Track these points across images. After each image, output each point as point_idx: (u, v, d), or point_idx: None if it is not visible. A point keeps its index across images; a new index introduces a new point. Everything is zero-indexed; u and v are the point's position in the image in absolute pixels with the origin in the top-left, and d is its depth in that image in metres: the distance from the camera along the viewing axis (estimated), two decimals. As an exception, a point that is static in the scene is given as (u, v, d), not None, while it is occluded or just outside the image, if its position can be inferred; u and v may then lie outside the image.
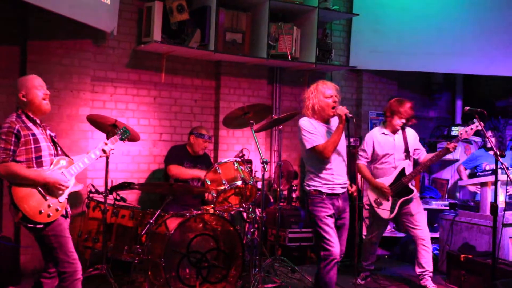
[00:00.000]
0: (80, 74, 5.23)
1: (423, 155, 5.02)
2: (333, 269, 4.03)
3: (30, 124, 3.42)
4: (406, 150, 4.96)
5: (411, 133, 5.08)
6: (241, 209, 4.70)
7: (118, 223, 4.58)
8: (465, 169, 6.57)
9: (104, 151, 3.73)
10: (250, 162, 5.58)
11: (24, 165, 3.33)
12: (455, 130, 7.01)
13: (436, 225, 6.04)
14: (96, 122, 4.65)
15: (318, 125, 4.15)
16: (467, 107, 4.37)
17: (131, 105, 5.67)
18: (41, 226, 3.34)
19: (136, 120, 5.68)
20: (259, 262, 4.64)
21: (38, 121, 3.49)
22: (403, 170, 4.90)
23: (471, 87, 7.84)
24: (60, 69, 5.12)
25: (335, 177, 4.10)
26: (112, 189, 4.78)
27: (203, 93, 6.05)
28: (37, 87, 3.45)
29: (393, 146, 4.98)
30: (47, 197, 3.36)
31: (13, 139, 3.30)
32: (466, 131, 4.61)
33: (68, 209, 3.55)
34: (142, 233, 4.32)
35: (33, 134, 3.39)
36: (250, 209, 4.68)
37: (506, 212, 5.04)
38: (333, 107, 4.09)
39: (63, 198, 3.46)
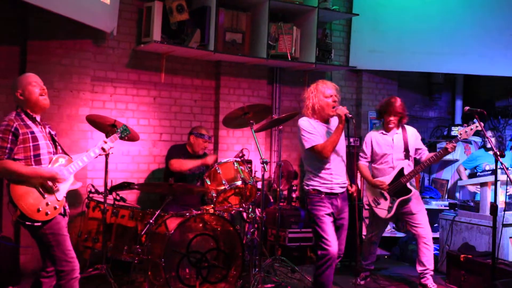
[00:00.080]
0: (80, 74, 5.23)
1: (425, 155, 5.00)
2: (330, 268, 4.03)
3: (29, 122, 3.42)
4: (406, 150, 4.95)
5: (412, 132, 5.06)
6: (241, 209, 4.71)
7: (118, 223, 4.58)
8: (465, 169, 6.58)
9: (103, 149, 3.73)
10: (250, 162, 5.58)
11: (22, 163, 3.33)
12: (455, 130, 7.01)
13: (436, 225, 6.04)
14: (96, 122, 4.65)
15: (318, 125, 4.15)
16: (467, 107, 4.36)
17: (131, 105, 5.67)
18: (39, 224, 3.34)
19: (136, 120, 5.68)
20: (259, 262, 4.65)
21: (37, 119, 3.50)
22: (402, 170, 4.90)
23: (471, 87, 7.84)
24: (60, 69, 5.12)
25: (334, 176, 4.12)
26: (112, 189, 4.78)
27: (203, 93, 6.05)
28: (32, 84, 3.45)
29: (391, 146, 4.98)
30: (46, 195, 3.36)
31: (10, 137, 3.30)
32: (465, 131, 4.60)
33: (67, 207, 3.55)
34: (142, 233, 4.32)
35: (32, 132, 3.39)
36: (250, 209, 4.68)
37: (506, 212, 5.04)
38: (333, 107, 4.10)
39: (61, 196, 3.45)
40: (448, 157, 6.10)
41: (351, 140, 4.23)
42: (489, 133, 6.34)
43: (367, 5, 6.81)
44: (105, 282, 4.44)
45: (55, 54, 5.10)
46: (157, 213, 4.37)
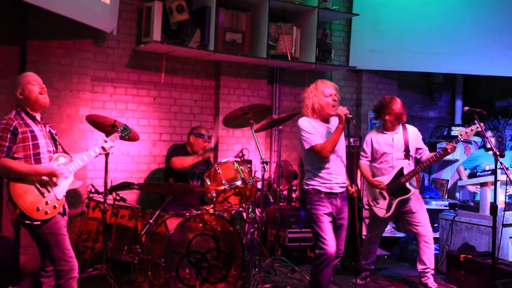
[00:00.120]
0: (80, 74, 5.23)
1: (425, 155, 4.99)
2: (327, 267, 4.04)
3: (29, 121, 3.43)
4: (406, 150, 4.95)
5: (412, 131, 5.06)
6: (241, 209, 4.71)
7: (118, 223, 4.58)
8: (465, 169, 6.58)
9: (103, 148, 3.74)
10: (250, 162, 5.58)
11: (22, 161, 3.34)
12: (455, 130, 7.01)
13: (436, 225, 6.04)
14: (96, 122, 4.65)
15: (318, 124, 4.16)
16: (467, 108, 4.36)
17: (131, 105, 5.67)
18: (38, 223, 3.34)
19: (135, 120, 5.68)
20: (259, 262, 4.65)
21: (38, 118, 3.50)
22: (401, 169, 4.90)
23: (471, 87, 7.84)
24: (60, 69, 5.12)
25: (333, 176, 4.12)
26: (111, 189, 4.78)
27: (202, 93, 6.05)
28: (31, 83, 3.46)
29: (392, 145, 4.98)
30: (45, 194, 3.36)
31: (8, 135, 3.31)
32: (466, 133, 4.59)
33: (66, 207, 3.56)
34: (142, 233, 4.32)
35: (32, 131, 3.40)
36: (250, 209, 4.68)
37: (505, 212, 5.04)
38: (333, 106, 4.11)
39: (61, 195, 3.46)
40: (448, 157, 6.09)
41: (351, 140, 4.23)
42: (489, 133, 6.34)
43: (367, 5, 6.81)
44: (105, 282, 4.44)
45: (55, 54, 5.10)
46: (157, 213, 4.37)
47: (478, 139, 7.07)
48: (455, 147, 4.69)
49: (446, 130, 7.36)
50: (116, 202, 4.73)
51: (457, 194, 6.99)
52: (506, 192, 5.26)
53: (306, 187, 4.18)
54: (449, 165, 7.24)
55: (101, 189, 4.67)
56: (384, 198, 4.97)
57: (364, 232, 5.74)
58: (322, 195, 4.10)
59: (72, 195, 4.86)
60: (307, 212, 4.22)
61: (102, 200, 4.54)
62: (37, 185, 3.35)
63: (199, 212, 4.44)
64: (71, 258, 3.44)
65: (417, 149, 5.03)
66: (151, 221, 4.30)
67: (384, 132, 5.05)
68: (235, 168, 4.70)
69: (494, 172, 4.30)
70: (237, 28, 5.85)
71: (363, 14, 6.69)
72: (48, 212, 3.36)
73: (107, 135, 4.19)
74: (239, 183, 4.63)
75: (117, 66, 5.57)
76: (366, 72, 7.03)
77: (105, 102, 5.53)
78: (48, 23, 4.97)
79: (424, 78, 7.73)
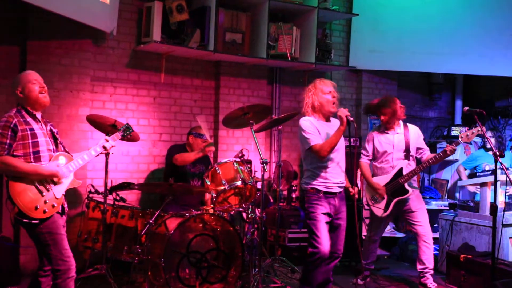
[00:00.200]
0: (79, 74, 5.24)
1: (426, 155, 4.99)
2: (319, 267, 4.05)
3: (29, 119, 3.43)
4: (406, 150, 4.95)
5: (414, 131, 5.06)
6: (240, 209, 4.70)
7: (117, 223, 4.58)
8: (465, 169, 6.58)
9: (104, 147, 3.74)
10: (249, 162, 5.58)
11: (21, 159, 3.34)
12: (455, 130, 7.01)
13: (436, 225, 6.04)
14: (96, 122, 4.65)
15: (318, 123, 4.17)
16: (466, 108, 4.36)
17: (131, 105, 5.67)
18: (37, 222, 3.34)
19: (135, 120, 5.67)
20: (258, 262, 4.64)
21: (38, 117, 3.50)
22: (400, 170, 4.90)
23: (471, 87, 7.84)
24: (59, 69, 5.12)
25: (332, 175, 4.13)
26: (111, 189, 4.78)
27: (202, 93, 6.05)
28: (32, 81, 3.46)
29: (392, 144, 4.98)
30: (44, 193, 3.36)
31: (9, 133, 3.31)
32: (467, 135, 4.58)
33: (65, 206, 3.55)
34: (142, 233, 4.32)
35: (31, 129, 3.40)
36: (250, 209, 4.68)
37: (505, 212, 5.04)
38: (333, 103, 4.14)
39: (60, 194, 3.46)
40: (448, 157, 6.11)
41: (351, 140, 4.23)
42: (489, 133, 6.34)
43: (367, 5, 6.81)
44: (105, 282, 4.44)
45: (55, 54, 5.10)
46: (157, 213, 4.36)
47: (478, 139, 7.07)
48: (455, 150, 4.68)
49: (446, 130, 7.36)
50: (116, 202, 4.73)
51: (457, 194, 6.99)
52: (506, 192, 5.26)
53: (305, 186, 4.19)
54: (449, 165, 7.24)
55: (101, 189, 4.67)
56: (382, 198, 4.97)
57: (364, 232, 5.74)
58: (321, 194, 4.11)
59: (72, 195, 4.88)
60: (305, 211, 4.23)
61: (102, 200, 4.54)
62: (37, 184, 3.35)
63: (199, 212, 4.44)
64: (68, 257, 3.44)
65: (418, 148, 5.03)
66: (151, 221, 4.30)
67: (386, 131, 5.05)
68: (235, 168, 4.69)
69: (494, 172, 4.30)
70: (237, 28, 5.85)
71: (363, 14, 6.69)
72: (47, 211, 3.35)
73: (107, 135, 4.19)
74: (239, 183, 4.62)
75: (117, 66, 5.57)
76: (366, 72, 7.03)
77: (105, 102, 5.53)
78: (48, 23, 4.97)
79: (424, 78, 7.73)
